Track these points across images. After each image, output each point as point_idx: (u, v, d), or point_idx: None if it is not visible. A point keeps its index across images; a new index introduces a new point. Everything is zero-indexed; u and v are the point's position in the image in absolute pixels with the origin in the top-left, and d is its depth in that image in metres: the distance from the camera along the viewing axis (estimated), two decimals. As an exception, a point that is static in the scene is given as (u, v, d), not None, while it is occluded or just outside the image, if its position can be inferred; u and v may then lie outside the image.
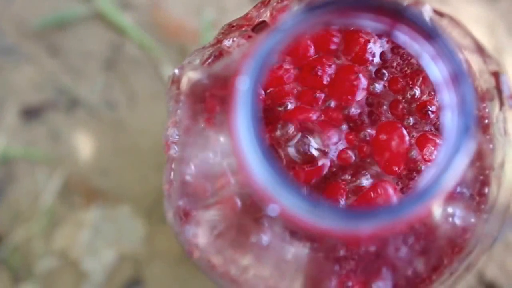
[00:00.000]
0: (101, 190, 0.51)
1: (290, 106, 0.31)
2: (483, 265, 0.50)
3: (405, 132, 0.31)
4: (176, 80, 0.33)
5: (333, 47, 0.32)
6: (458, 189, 0.31)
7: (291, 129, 0.31)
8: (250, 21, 0.33)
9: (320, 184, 0.31)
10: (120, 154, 0.51)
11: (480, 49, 0.32)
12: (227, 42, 0.32)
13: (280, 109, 0.31)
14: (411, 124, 0.31)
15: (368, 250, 0.31)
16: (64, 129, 0.51)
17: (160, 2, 0.52)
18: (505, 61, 0.51)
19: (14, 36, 0.52)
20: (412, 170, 0.31)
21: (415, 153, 0.31)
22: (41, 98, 0.51)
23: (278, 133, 0.31)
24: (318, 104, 0.31)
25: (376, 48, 0.32)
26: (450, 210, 0.31)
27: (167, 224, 0.37)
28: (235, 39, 0.32)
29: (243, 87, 0.26)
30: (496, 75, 0.32)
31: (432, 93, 0.32)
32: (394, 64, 0.32)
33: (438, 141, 0.31)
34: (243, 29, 0.33)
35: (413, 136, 0.31)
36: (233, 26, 0.33)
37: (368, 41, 0.31)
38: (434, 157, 0.31)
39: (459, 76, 0.27)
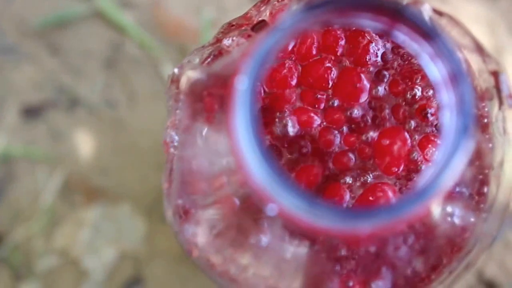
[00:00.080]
0: (101, 189, 0.51)
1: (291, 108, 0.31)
2: (483, 264, 0.50)
3: (407, 136, 0.31)
4: (175, 79, 0.33)
5: (337, 48, 0.31)
6: (457, 189, 0.31)
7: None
8: (250, 20, 0.33)
9: (320, 185, 0.31)
10: (120, 153, 0.51)
11: (479, 48, 0.32)
12: (226, 41, 0.32)
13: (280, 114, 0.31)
14: (412, 127, 0.31)
15: (367, 250, 0.31)
16: (64, 128, 0.51)
17: (160, 1, 0.52)
18: (505, 60, 0.51)
19: (14, 35, 0.52)
20: (413, 171, 0.31)
21: (416, 154, 0.31)
22: (41, 97, 0.51)
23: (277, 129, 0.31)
24: (320, 105, 0.31)
25: (377, 49, 0.32)
26: (449, 209, 0.31)
27: (167, 223, 0.37)
28: (234, 38, 0.32)
29: (242, 87, 0.26)
30: (496, 74, 0.32)
31: (432, 93, 0.32)
32: (395, 64, 0.32)
33: (439, 142, 0.31)
34: (243, 28, 0.33)
35: (415, 138, 0.31)
36: (233, 25, 0.33)
37: (371, 42, 0.31)
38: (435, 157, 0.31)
39: (458, 75, 0.27)
